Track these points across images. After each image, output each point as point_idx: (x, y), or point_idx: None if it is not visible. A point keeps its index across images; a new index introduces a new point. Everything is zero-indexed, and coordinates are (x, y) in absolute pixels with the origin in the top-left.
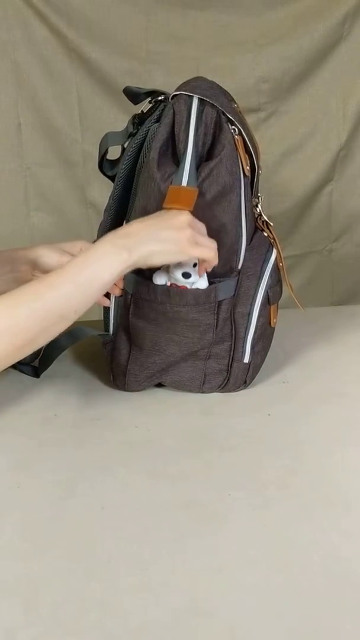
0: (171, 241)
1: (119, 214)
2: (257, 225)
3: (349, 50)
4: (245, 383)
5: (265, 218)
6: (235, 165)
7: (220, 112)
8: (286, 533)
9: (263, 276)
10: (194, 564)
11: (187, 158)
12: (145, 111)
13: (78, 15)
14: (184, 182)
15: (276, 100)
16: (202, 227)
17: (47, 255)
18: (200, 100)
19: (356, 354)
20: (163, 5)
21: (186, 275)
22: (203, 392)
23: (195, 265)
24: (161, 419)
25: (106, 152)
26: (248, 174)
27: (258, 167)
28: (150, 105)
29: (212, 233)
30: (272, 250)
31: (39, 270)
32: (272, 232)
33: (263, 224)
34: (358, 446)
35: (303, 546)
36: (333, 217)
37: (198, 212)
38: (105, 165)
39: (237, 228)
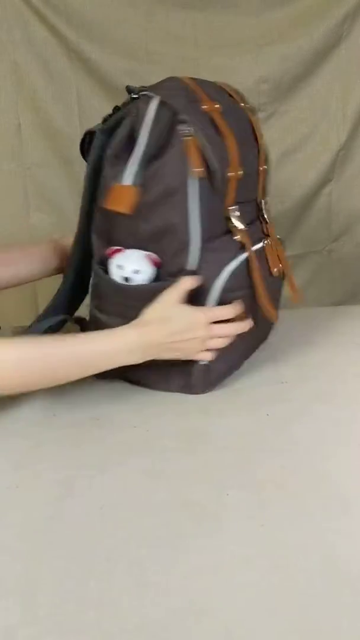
0: (182, 351)
1: (89, 214)
2: (230, 228)
3: (349, 51)
4: (211, 385)
5: (266, 217)
6: (183, 167)
7: (175, 112)
8: (284, 533)
9: (217, 279)
10: (192, 563)
11: (134, 157)
12: (118, 107)
13: (78, 16)
14: (128, 181)
15: (276, 100)
16: (221, 312)
17: None
18: (161, 102)
19: (355, 354)
20: (163, 6)
21: (136, 272)
22: (170, 391)
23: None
24: (159, 418)
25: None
26: (203, 175)
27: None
28: (124, 102)
29: (157, 232)
30: (240, 254)
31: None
32: (246, 237)
33: (235, 228)
34: (356, 446)
35: (301, 546)
36: (333, 217)
37: (141, 211)
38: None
39: (186, 229)
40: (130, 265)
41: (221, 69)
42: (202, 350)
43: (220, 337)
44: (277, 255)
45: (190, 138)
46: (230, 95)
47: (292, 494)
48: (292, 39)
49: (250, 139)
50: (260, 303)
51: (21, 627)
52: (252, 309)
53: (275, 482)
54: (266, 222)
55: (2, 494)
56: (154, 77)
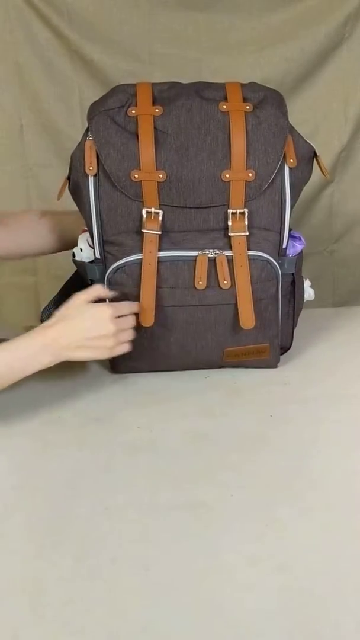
0: (97, 349)
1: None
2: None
3: (351, 52)
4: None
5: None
6: (81, 166)
7: (90, 118)
8: (288, 533)
9: (108, 270)
10: (197, 564)
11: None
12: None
13: (80, 17)
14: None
15: None
16: (122, 308)
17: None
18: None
19: (358, 355)
20: (165, 7)
21: (81, 250)
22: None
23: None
24: (164, 420)
25: None
26: (93, 173)
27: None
28: None
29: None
30: (136, 254)
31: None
32: (151, 238)
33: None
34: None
35: (305, 546)
36: (334, 219)
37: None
38: None
39: (90, 220)
40: (79, 244)
41: (223, 70)
42: (116, 345)
43: (127, 329)
44: (235, 273)
45: (89, 140)
46: (225, 99)
47: (296, 494)
48: (294, 41)
49: (211, 143)
50: (142, 305)
51: (28, 626)
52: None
53: (279, 482)
54: (229, 234)
55: (8, 494)
56: (156, 78)
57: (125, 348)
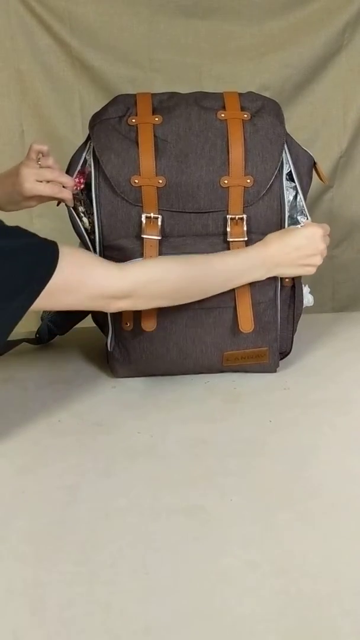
0: (306, 267)
1: None
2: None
3: (350, 59)
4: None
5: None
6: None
7: (92, 127)
8: (287, 537)
9: None
10: (196, 568)
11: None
12: None
13: (81, 24)
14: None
15: None
16: (327, 227)
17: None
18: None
19: (357, 360)
20: (165, 14)
21: None
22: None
23: None
24: (163, 425)
25: None
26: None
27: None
28: None
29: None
30: (135, 258)
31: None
32: (151, 244)
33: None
34: (359, 452)
35: (304, 551)
36: (333, 224)
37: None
38: None
39: (94, 223)
40: None
41: (223, 76)
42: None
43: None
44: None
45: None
46: (223, 108)
47: (295, 499)
48: (294, 47)
49: (210, 150)
50: (143, 310)
51: (29, 630)
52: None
53: (278, 487)
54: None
55: (8, 499)
56: (156, 85)
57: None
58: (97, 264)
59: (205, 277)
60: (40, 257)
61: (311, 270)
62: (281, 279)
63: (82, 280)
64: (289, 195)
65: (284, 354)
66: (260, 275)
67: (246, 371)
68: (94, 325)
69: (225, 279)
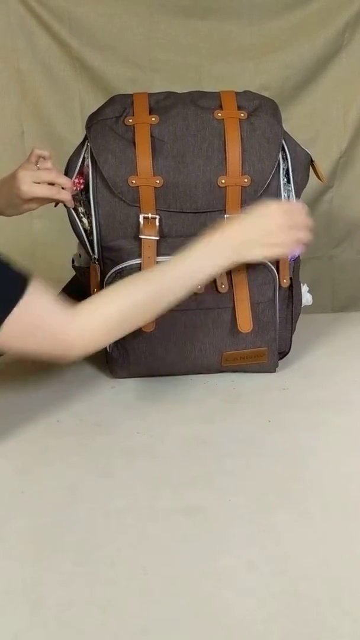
0: (273, 247)
1: None
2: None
3: (349, 59)
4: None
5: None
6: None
7: (89, 128)
8: (285, 538)
9: (108, 275)
10: (196, 568)
11: None
12: None
13: (80, 24)
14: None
15: None
16: (292, 206)
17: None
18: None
19: (356, 361)
20: (165, 14)
21: None
22: None
23: None
24: (163, 425)
25: None
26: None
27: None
28: None
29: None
30: (134, 259)
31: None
32: (149, 244)
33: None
34: (358, 453)
35: (302, 552)
36: (333, 224)
37: None
38: None
39: (91, 224)
40: (78, 250)
41: (223, 76)
42: (291, 242)
43: (301, 229)
44: (232, 277)
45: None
46: (220, 107)
47: (293, 500)
48: (294, 48)
49: (207, 150)
50: None
51: (28, 629)
52: None
53: (277, 488)
54: None
55: (7, 499)
56: (156, 85)
57: (301, 249)
58: (57, 310)
59: (162, 291)
60: (5, 288)
61: (281, 251)
62: (279, 279)
63: (38, 324)
64: (286, 195)
65: (283, 354)
66: (224, 261)
67: (245, 371)
68: None
69: (185, 279)
